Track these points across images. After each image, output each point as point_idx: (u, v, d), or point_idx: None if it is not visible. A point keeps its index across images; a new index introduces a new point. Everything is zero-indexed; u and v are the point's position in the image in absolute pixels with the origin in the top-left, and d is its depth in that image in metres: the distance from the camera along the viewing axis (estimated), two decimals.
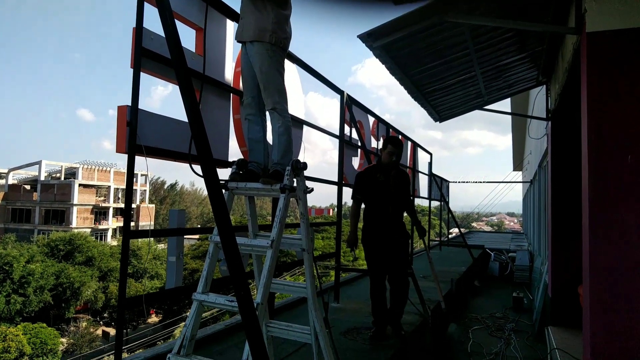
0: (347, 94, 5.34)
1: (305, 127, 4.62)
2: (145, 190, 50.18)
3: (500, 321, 6.82)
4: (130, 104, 2.60)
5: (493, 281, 11.00)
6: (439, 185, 11.40)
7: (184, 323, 2.68)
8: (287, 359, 3.33)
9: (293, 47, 3.30)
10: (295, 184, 2.85)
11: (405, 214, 4.33)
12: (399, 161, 4.07)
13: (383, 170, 4.04)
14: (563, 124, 5.43)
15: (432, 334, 4.48)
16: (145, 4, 2.70)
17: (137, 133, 2.59)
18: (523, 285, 10.03)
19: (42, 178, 42.43)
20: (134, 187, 45.63)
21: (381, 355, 3.55)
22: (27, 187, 43.41)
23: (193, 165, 2.70)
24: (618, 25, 2.97)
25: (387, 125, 6.83)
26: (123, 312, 2.44)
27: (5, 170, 44.48)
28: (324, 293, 3.20)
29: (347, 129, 5.57)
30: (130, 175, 2.53)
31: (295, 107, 4.27)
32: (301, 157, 4.45)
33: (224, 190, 2.84)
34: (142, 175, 48.39)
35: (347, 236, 4.09)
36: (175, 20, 2.65)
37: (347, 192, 6.58)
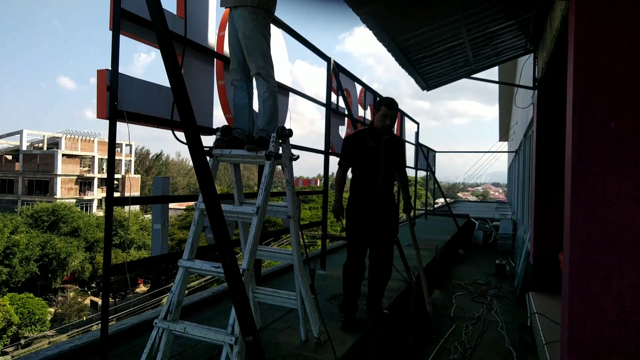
0: (334, 61, 5.26)
1: (291, 96, 4.55)
2: (130, 161, 49.57)
3: (483, 287, 6.99)
4: (110, 68, 2.52)
5: (477, 249, 11.22)
6: (425, 155, 11.45)
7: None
8: (273, 324, 3.38)
9: (278, 13, 3.21)
10: (280, 151, 2.83)
11: (396, 185, 3.98)
12: (393, 125, 3.64)
13: (375, 135, 3.60)
14: (549, 92, 5.43)
15: (416, 300, 4.58)
16: None
17: (118, 98, 2.52)
18: (506, 253, 10.25)
19: (24, 148, 41.56)
20: (119, 158, 45.34)
21: (367, 320, 3.62)
22: (9, 157, 42.54)
23: (176, 132, 2.65)
24: None
25: (375, 94, 6.77)
26: (109, 278, 2.44)
27: None
28: (311, 261, 3.23)
29: (334, 97, 5.51)
30: (112, 141, 2.48)
31: (282, 73, 4.19)
32: (287, 124, 4.40)
33: (208, 157, 2.81)
34: (126, 145, 47.69)
35: (333, 205, 3.76)
36: None
37: (334, 161, 6.57)
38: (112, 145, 2.49)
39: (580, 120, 2.95)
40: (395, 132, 8.60)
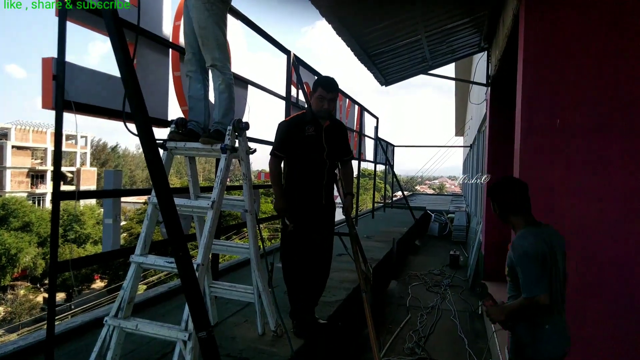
0: (294, 54, 5.24)
1: (250, 89, 4.50)
2: (85, 153, 47.72)
3: (437, 277, 7.20)
4: (56, 56, 2.42)
5: (433, 240, 11.53)
6: (384, 149, 11.62)
7: None
8: (230, 318, 3.36)
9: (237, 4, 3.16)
10: (237, 144, 2.80)
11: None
12: (332, 108, 3.15)
13: (314, 121, 3.11)
14: (501, 89, 5.63)
15: (373, 290, 4.66)
16: None
17: (64, 88, 2.42)
18: (460, 244, 10.59)
19: None
20: (74, 150, 43.50)
21: (324, 309, 3.66)
22: None
23: (128, 124, 2.57)
24: None
25: None
26: (55, 277, 2.35)
27: None
28: (270, 254, 3.21)
29: (293, 90, 5.49)
30: (59, 132, 2.39)
31: (240, 66, 4.14)
32: (246, 118, 4.36)
33: (162, 150, 2.75)
34: (82, 137, 45.87)
35: (274, 203, 3.25)
36: None
37: None
38: (59, 137, 2.40)
39: (528, 116, 3.08)
40: (355, 127, 8.69)
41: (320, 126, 3.12)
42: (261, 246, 3.01)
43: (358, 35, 5.00)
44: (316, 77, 6.15)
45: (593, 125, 2.93)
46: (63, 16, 2.44)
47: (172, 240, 2.07)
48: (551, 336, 2.06)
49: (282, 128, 3.18)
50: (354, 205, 7.58)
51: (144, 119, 2.21)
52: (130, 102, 2.22)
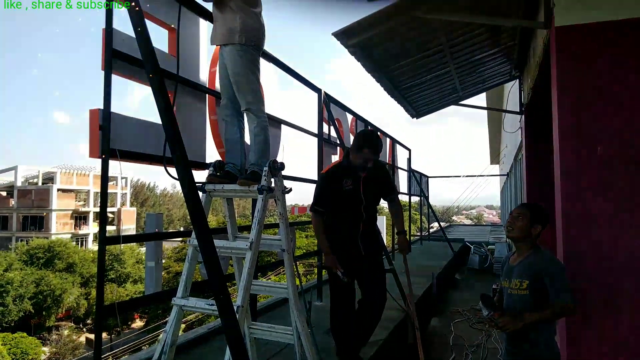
0: (325, 92, 5.35)
1: (284, 125, 4.61)
2: (125, 194, 49.42)
3: (481, 313, 6.92)
4: (102, 107, 2.56)
5: (474, 274, 11.15)
6: (418, 181, 11.51)
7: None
8: None
9: (269, 43, 3.28)
10: (273, 185, 2.85)
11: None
12: (372, 165, 3.12)
13: (352, 172, 3.10)
14: (536, 117, 5.54)
15: (414, 328, 4.52)
16: (115, 4, 2.65)
17: (110, 137, 2.55)
18: None
19: (19, 184, 41.40)
20: (115, 191, 45.14)
21: (365, 351, 3.57)
22: (3, 193, 42.29)
23: (169, 168, 2.66)
24: (585, 19, 3.04)
25: (365, 122, 6.86)
26: (101, 321, 2.41)
27: None
28: (307, 292, 3.21)
29: (325, 127, 5.58)
30: (105, 180, 2.50)
31: (273, 105, 4.26)
32: (280, 156, 4.44)
33: (201, 193, 2.82)
34: (122, 178, 47.64)
35: (324, 259, 3.21)
36: (147, 21, 2.62)
37: None
38: (105, 183, 2.51)
39: (566, 146, 3.01)
40: (387, 160, 8.67)
41: (358, 177, 3.11)
42: (298, 284, 3.00)
43: (387, 71, 5.07)
44: (346, 112, 6.25)
45: (633, 156, 2.83)
46: (109, 69, 2.60)
47: (213, 283, 2.10)
48: (554, 338, 2.48)
49: (320, 182, 3.23)
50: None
51: (184, 164, 2.29)
52: (171, 148, 2.32)
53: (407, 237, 3.58)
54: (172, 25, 3.17)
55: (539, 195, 5.62)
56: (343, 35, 3.90)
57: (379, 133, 6.80)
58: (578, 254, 2.93)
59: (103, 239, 2.45)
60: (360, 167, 3.08)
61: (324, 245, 3.16)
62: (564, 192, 3.02)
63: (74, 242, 35.25)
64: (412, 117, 7.04)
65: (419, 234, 15.48)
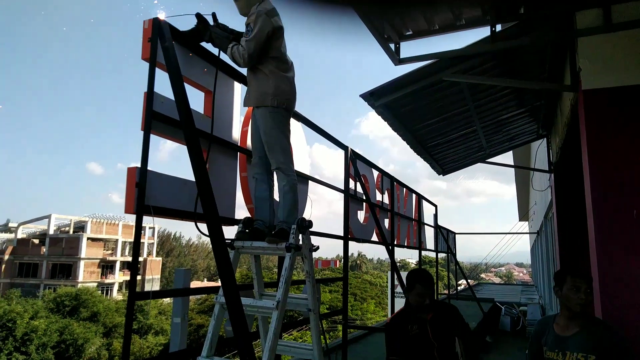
0: (351, 149, 5.45)
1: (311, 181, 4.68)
2: (152, 243, 50.06)
3: None
4: (139, 165, 2.67)
5: (505, 336, 10.62)
6: (445, 237, 11.31)
7: None
8: None
9: (300, 103, 3.41)
10: (300, 242, 2.87)
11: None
12: (433, 299, 3.04)
13: (415, 317, 3.00)
14: (566, 176, 5.47)
15: None
16: (156, 68, 2.83)
17: (145, 194, 2.64)
18: None
19: (52, 232, 42.58)
20: (142, 240, 45.74)
21: None
22: (36, 241, 43.49)
23: (199, 224, 2.73)
24: (612, 83, 3.08)
25: (391, 179, 6.89)
26: None
27: (16, 225, 44.79)
28: (332, 352, 3.13)
29: (351, 183, 5.64)
30: (138, 237, 2.57)
31: (301, 162, 4.35)
32: (307, 211, 4.48)
33: (229, 250, 2.86)
34: (149, 228, 48.45)
35: None
36: (185, 84, 2.78)
37: (353, 246, 6.53)
38: (138, 239, 2.58)
39: (600, 209, 2.95)
40: (413, 216, 8.60)
41: (423, 321, 2.97)
42: (324, 343, 2.94)
43: (413, 130, 5.16)
44: (372, 169, 6.31)
45: None
46: (148, 130, 2.73)
47: (240, 343, 2.09)
48: None
49: (385, 333, 3.12)
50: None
51: (215, 222, 2.35)
52: (204, 206, 2.39)
53: (436, 296, 3.37)
54: (209, 88, 3.34)
55: (573, 256, 5.45)
56: (370, 97, 4.03)
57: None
58: (618, 318, 2.80)
59: (133, 294, 2.49)
60: (418, 306, 2.97)
61: None
62: (599, 254, 2.94)
63: (100, 291, 35.48)
64: (439, 174, 7.06)
65: (446, 291, 15.01)
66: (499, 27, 3.05)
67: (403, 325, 2.98)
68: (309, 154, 4.78)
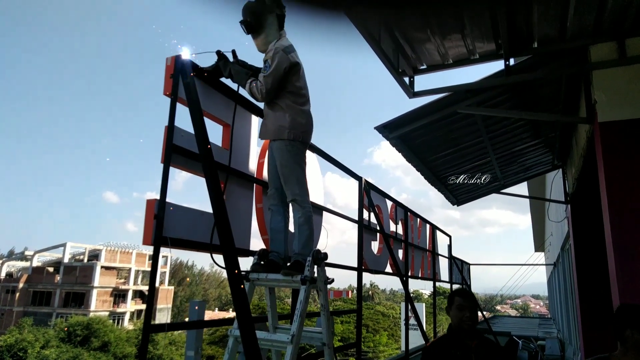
0: (365, 180, 5.46)
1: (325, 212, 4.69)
2: (164, 272, 50.00)
3: None
4: (158, 196, 2.71)
5: None
6: (459, 268, 11.13)
7: None
8: None
9: (315, 135, 3.45)
10: (315, 274, 2.86)
11: None
12: (475, 320, 2.86)
13: (458, 341, 2.83)
14: (583, 207, 5.40)
15: None
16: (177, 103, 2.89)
17: (163, 226, 2.67)
18: None
19: (66, 260, 42.84)
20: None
21: None
22: (51, 269, 43.74)
23: (214, 256, 2.74)
24: (628, 115, 3.07)
25: (405, 209, 6.86)
26: None
27: (32, 253, 45.22)
28: None
29: (365, 213, 5.62)
30: (155, 268, 2.59)
31: (315, 193, 4.37)
32: (322, 242, 4.47)
33: (245, 282, 2.86)
34: (162, 256, 48.55)
35: None
36: (204, 118, 2.85)
37: (367, 277, 6.47)
38: (154, 272, 2.59)
39: (620, 241, 2.91)
40: (427, 246, 8.49)
41: (468, 347, 2.80)
42: None
43: (427, 161, 5.17)
44: (386, 199, 6.30)
45: None
46: (167, 163, 2.78)
47: None
48: None
49: (425, 356, 2.95)
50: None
51: (232, 254, 2.36)
52: (221, 238, 2.41)
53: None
54: (227, 122, 3.41)
55: (593, 288, 5.32)
56: (384, 129, 4.07)
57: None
58: None
59: (148, 326, 2.49)
60: (464, 328, 2.82)
61: None
62: (621, 289, 2.87)
63: (111, 320, 35.32)
64: (453, 205, 7.02)
65: None
66: (512, 61, 3.09)
67: (444, 350, 2.82)
68: (323, 184, 4.81)
